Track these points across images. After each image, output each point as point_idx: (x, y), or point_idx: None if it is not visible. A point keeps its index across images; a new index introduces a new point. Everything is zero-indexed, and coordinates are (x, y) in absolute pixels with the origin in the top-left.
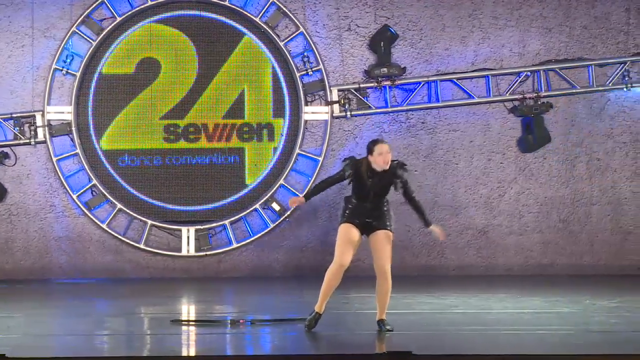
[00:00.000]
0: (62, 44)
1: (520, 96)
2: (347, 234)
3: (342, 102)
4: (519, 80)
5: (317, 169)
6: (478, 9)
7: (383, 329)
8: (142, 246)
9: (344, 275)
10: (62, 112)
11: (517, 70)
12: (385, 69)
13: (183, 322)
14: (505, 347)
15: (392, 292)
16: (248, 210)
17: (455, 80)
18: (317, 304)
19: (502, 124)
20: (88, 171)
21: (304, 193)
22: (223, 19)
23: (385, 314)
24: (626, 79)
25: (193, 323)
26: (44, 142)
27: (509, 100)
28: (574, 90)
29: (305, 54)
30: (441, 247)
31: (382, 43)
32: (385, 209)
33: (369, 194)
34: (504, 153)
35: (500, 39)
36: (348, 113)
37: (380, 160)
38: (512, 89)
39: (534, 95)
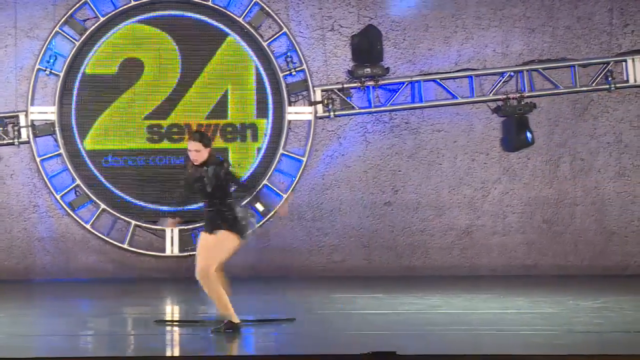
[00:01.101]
0: (46, 44)
1: (504, 96)
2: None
3: (326, 102)
4: (502, 81)
5: (301, 169)
6: (461, 9)
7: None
8: (126, 246)
9: (327, 275)
10: (46, 112)
11: (500, 70)
12: (368, 69)
13: (167, 323)
14: (490, 347)
15: (376, 292)
16: None
17: (438, 80)
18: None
19: (485, 124)
20: (72, 171)
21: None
22: (206, 19)
23: (232, 317)
24: (609, 79)
25: (177, 323)
26: (28, 142)
27: (493, 101)
28: (557, 91)
29: (289, 54)
30: (425, 248)
31: (377, 44)
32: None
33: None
34: (487, 153)
35: (483, 39)
36: (331, 113)
37: (190, 156)
38: (495, 89)
39: (518, 95)
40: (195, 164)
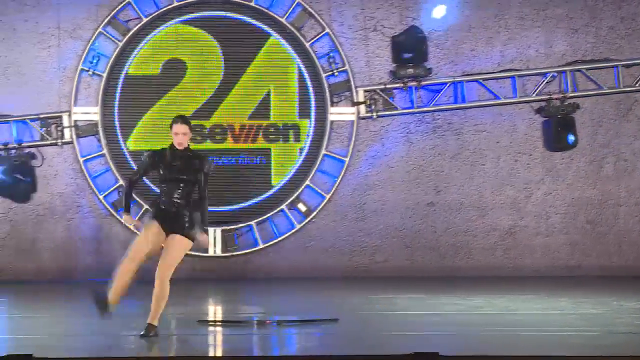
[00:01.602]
0: (89, 45)
1: (547, 97)
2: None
3: (368, 102)
4: (545, 81)
5: (343, 169)
6: (504, 10)
7: (144, 334)
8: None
9: (370, 276)
10: (89, 112)
11: (543, 70)
12: (411, 70)
13: (209, 323)
14: (531, 348)
15: (418, 292)
16: (274, 211)
17: (481, 80)
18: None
19: (528, 124)
20: (114, 172)
21: (126, 208)
22: (249, 19)
23: (156, 320)
24: None
25: (219, 323)
26: (71, 142)
27: (536, 101)
28: (600, 91)
29: (331, 54)
30: (468, 248)
31: (421, 44)
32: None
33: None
34: (530, 154)
35: (526, 40)
36: (374, 114)
37: (175, 139)
38: (538, 89)
39: (561, 95)
40: (179, 147)
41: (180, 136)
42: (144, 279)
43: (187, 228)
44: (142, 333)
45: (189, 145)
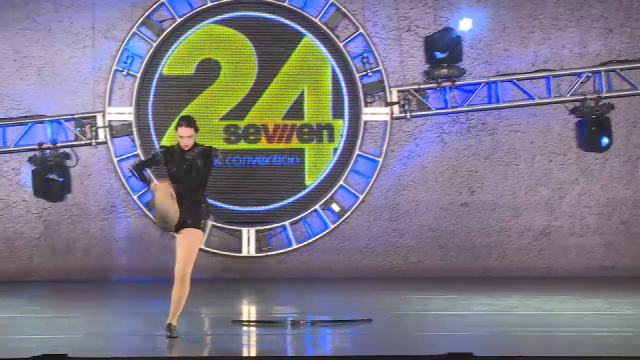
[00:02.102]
0: (123, 45)
1: (581, 97)
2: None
3: (402, 103)
4: (579, 81)
5: (377, 169)
6: (538, 10)
7: (167, 335)
8: (202, 246)
9: (403, 276)
10: (123, 112)
11: (577, 71)
12: (445, 70)
13: (243, 323)
14: (566, 348)
15: (452, 293)
16: (308, 211)
17: (515, 81)
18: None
19: (563, 125)
20: (148, 172)
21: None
22: (282, 20)
23: (175, 319)
24: None
25: (253, 323)
26: (105, 142)
27: (570, 101)
28: (635, 92)
29: (365, 54)
30: (502, 249)
31: (456, 45)
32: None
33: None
34: (565, 154)
35: (560, 40)
36: (408, 114)
37: (181, 142)
38: (572, 90)
39: (595, 96)
40: (185, 149)
41: (185, 139)
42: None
43: (195, 221)
44: (167, 334)
45: (195, 143)
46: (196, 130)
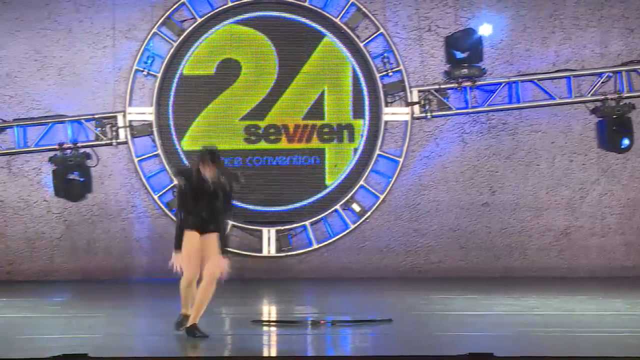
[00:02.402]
0: (143, 45)
1: (602, 97)
2: (189, 244)
3: (422, 103)
4: (600, 81)
5: (397, 169)
6: (559, 10)
7: (196, 335)
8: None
9: (424, 276)
10: (144, 112)
11: (598, 71)
12: (465, 70)
13: (264, 323)
14: (587, 349)
15: (472, 293)
16: (328, 211)
17: (536, 81)
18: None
19: (584, 125)
20: (169, 172)
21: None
22: (303, 19)
23: (197, 319)
24: None
25: (274, 323)
26: (126, 142)
27: (591, 101)
28: None
29: (385, 54)
30: (523, 249)
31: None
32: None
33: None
34: (586, 154)
35: (581, 40)
36: (428, 114)
37: (203, 171)
38: (593, 90)
39: (616, 96)
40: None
41: (209, 171)
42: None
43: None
44: (197, 335)
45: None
46: (218, 165)
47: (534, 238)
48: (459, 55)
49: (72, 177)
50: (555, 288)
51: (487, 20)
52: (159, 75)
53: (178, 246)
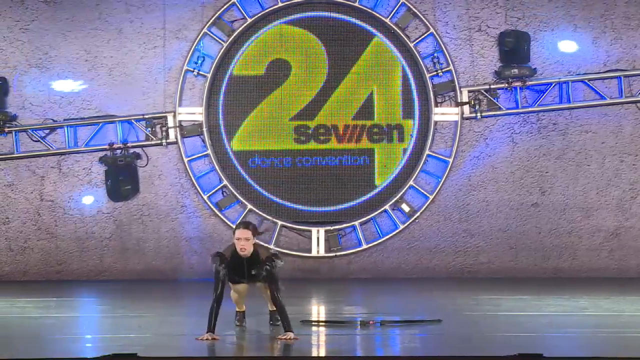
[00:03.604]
0: (194, 46)
1: None
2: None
3: (472, 103)
4: None
5: (447, 170)
6: (610, 10)
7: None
8: (272, 247)
9: (473, 276)
10: (193, 113)
11: None
12: (516, 70)
13: (313, 323)
14: (637, 349)
15: (522, 293)
16: (377, 212)
17: (586, 81)
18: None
19: (634, 125)
20: (219, 172)
21: (210, 327)
22: (353, 20)
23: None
24: None
25: (323, 323)
26: (175, 142)
27: None
28: None
29: (435, 54)
30: (573, 249)
31: (524, 45)
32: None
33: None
34: (636, 155)
35: (632, 40)
36: (478, 114)
37: (238, 245)
38: None
39: None
40: (241, 252)
41: (243, 241)
42: None
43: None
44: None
45: (253, 249)
46: (254, 234)
47: (584, 239)
48: (510, 55)
49: (122, 177)
50: (606, 289)
51: (538, 20)
52: (209, 75)
53: (210, 329)
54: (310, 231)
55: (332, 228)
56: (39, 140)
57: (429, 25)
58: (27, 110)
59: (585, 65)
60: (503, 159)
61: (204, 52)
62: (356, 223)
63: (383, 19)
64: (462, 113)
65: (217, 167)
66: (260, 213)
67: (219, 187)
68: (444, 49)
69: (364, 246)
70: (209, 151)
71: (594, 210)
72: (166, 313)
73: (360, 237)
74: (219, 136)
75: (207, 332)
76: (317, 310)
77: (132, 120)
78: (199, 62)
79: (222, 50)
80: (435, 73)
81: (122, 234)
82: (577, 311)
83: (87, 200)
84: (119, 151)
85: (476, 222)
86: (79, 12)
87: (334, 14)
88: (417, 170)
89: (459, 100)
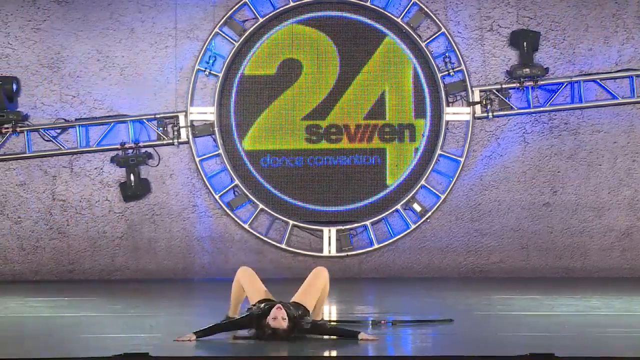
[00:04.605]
0: (205, 45)
1: None
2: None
3: (484, 102)
4: None
5: (459, 169)
6: (622, 9)
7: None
8: (283, 246)
9: (485, 276)
10: (205, 112)
11: None
12: (527, 70)
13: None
14: None
15: (534, 293)
16: (389, 211)
17: (598, 80)
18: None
19: None
20: (230, 171)
21: (200, 333)
22: (364, 19)
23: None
24: None
25: (334, 323)
26: (187, 142)
27: None
28: None
29: (447, 54)
30: (584, 249)
31: (525, 44)
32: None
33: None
34: None
35: None
36: (490, 114)
37: (271, 323)
38: None
39: None
40: (272, 326)
41: (280, 320)
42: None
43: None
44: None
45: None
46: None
47: (596, 238)
48: (521, 55)
49: (134, 177)
50: (618, 289)
51: (549, 19)
52: (221, 75)
53: (199, 334)
54: (321, 231)
55: (343, 228)
56: (50, 140)
57: (440, 24)
58: (39, 110)
59: (597, 64)
60: (515, 159)
61: (216, 51)
62: (368, 223)
63: (395, 18)
64: (474, 113)
65: (228, 166)
66: (272, 213)
67: (230, 186)
68: (456, 48)
69: (376, 246)
70: (221, 151)
71: (605, 210)
72: (178, 313)
73: (372, 236)
74: (231, 136)
75: (192, 333)
76: (329, 310)
77: (144, 120)
78: (211, 61)
79: (233, 50)
80: (446, 73)
81: (134, 233)
82: (589, 311)
83: (99, 199)
84: (130, 151)
85: (488, 221)
86: (90, 11)
87: (345, 14)
88: (429, 170)
89: (471, 100)
